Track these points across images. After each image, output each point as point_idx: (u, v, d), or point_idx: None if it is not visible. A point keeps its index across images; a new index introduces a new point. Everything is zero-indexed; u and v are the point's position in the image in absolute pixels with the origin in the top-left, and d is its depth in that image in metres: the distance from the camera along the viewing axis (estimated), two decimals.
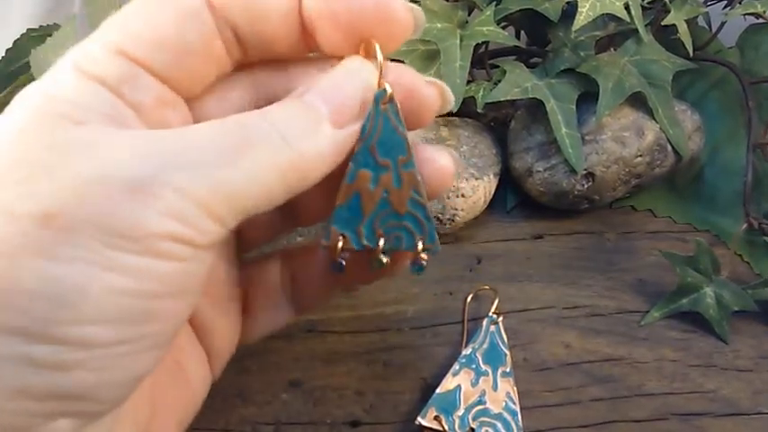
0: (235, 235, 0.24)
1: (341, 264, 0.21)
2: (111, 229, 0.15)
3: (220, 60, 0.20)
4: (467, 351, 0.29)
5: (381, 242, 0.21)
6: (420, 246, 0.21)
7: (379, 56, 0.20)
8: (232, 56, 0.20)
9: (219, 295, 0.23)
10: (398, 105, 0.20)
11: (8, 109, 0.17)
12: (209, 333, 0.23)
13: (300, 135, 0.18)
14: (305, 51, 0.21)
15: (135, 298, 0.16)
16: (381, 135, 0.20)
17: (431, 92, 0.21)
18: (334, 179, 0.21)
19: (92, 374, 0.16)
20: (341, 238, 0.20)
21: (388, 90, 0.20)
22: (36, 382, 0.15)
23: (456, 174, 0.22)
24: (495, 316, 0.31)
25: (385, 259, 0.21)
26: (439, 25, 0.34)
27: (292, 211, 0.24)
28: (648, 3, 0.37)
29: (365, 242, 0.21)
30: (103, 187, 0.16)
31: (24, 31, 0.36)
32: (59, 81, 0.18)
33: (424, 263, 0.21)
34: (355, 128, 0.19)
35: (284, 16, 0.20)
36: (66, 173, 0.16)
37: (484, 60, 0.37)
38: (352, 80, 0.19)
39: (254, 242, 0.25)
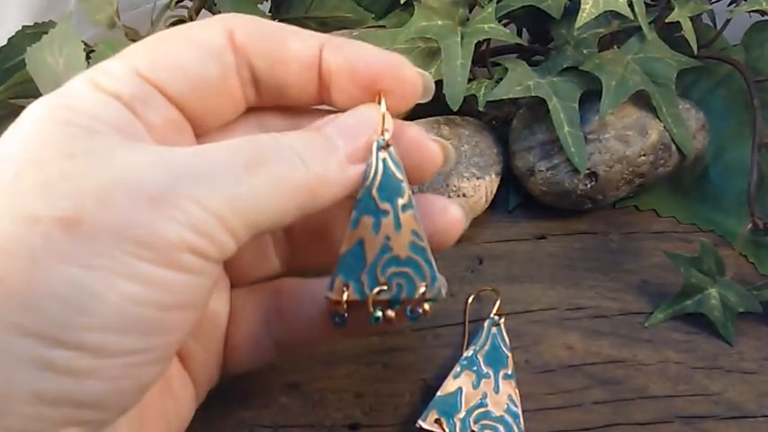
0: (225, 269, 0.24)
1: (343, 317, 0.21)
2: (132, 237, 0.16)
3: (235, 99, 0.21)
4: (468, 353, 0.29)
5: (375, 291, 0.20)
6: (421, 292, 0.21)
7: (383, 107, 0.20)
8: (247, 96, 0.21)
9: (202, 327, 0.23)
10: (395, 151, 0.20)
11: (18, 119, 0.17)
12: (192, 362, 0.23)
13: (316, 159, 0.19)
14: (315, 102, 0.22)
15: (149, 308, 0.16)
16: (381, 180, 0.20)
17: (435, 148, 0.22)
18: (330, 225, 0.22)
19: (103, 383, 0.16)
20: (345, 288, 0.20)
21: (387, 137, 0.20)
22: (51, 388, 0.15)
23: (465, 224, 0.23)
24: (496, 317, 0.30)
25: (378, 314, 0.21)
26: (440, 22, 0.34)
27: (285, 255, 0.25)
28: (652, 0, 0.36)
29: (367, 291, 0.21)
30: (125, 195, 0.16)
31: (20, 28, 0.36)
32: (74, 94, 0.18)
33: (421, 312, 0.21)
34: (362, 168, 0.20)
35: (304, 65, 0.20)
36: (87, 180, 0.16)
37: (485, 58, 0.37)
38: (366, 123, 0.20)
39: (244, 282, 0.25)
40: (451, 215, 0.22)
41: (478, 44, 0.34)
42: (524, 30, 0.39)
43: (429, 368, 0.30)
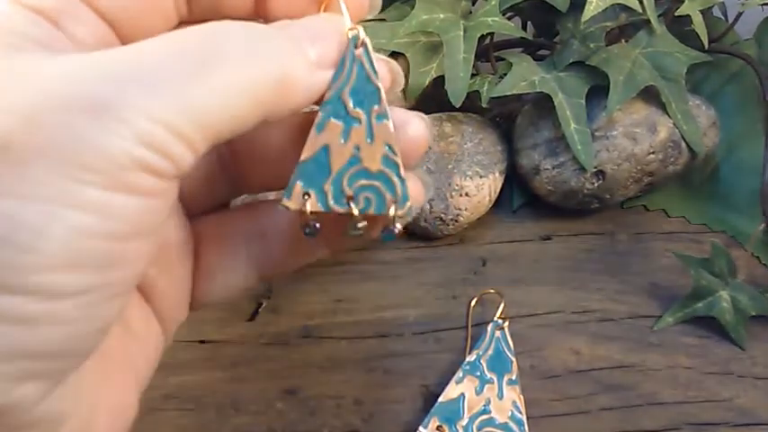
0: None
1: (314, 227, 0.19)
2: (72, 159, 0.14)
3: (167, 12, 0.19)
4: (471, 358, 0.29)
5: (353, 206, 0.19)
6: (392, 211, 0.19)
7: (345, 10, 0.19)
8: (179, 9, 0.19)
9: (164, 258, 0.21)
10: (372, 51, 0.19)
11: None
12: (155, 294, 0.21)
13: (280, 57, 0.17)
14: (250, 16, 0.20)
15: (101, 240, 0.14)
16: (355, 83, 0.19)
17: (382, 69, 0.20)
18: (280, 144, 0.21)
19: (59, 328, 0.14)
20: (306, 196, 0.19)
21: (362, 35, 0.18)
22: (3, 341, 0.14)
23: (429, 141, 0.21)
24: (500, 321, 0.30)
25: (361, 225, 0.19)
26: (441, 16, 0.34)
27: (236, 176, 0.23)
28: None
29: (332, 203, 0.19)
30: (59, 110, 0.14)
31: None
32: None
33: (396, 230, 0.20)
34: (329, 74, 0.18)
35: None
36: (11, 99, 0.14)
37: (489, 53, 0.37)
38: (333, 25, 0.19)
39: (192, 206, 0.23)
40: (413, 131, 0.20)
41: (482, 38, 0.34)
42: (529, 23, 0.38)
43: (430, 373, 0.29)
